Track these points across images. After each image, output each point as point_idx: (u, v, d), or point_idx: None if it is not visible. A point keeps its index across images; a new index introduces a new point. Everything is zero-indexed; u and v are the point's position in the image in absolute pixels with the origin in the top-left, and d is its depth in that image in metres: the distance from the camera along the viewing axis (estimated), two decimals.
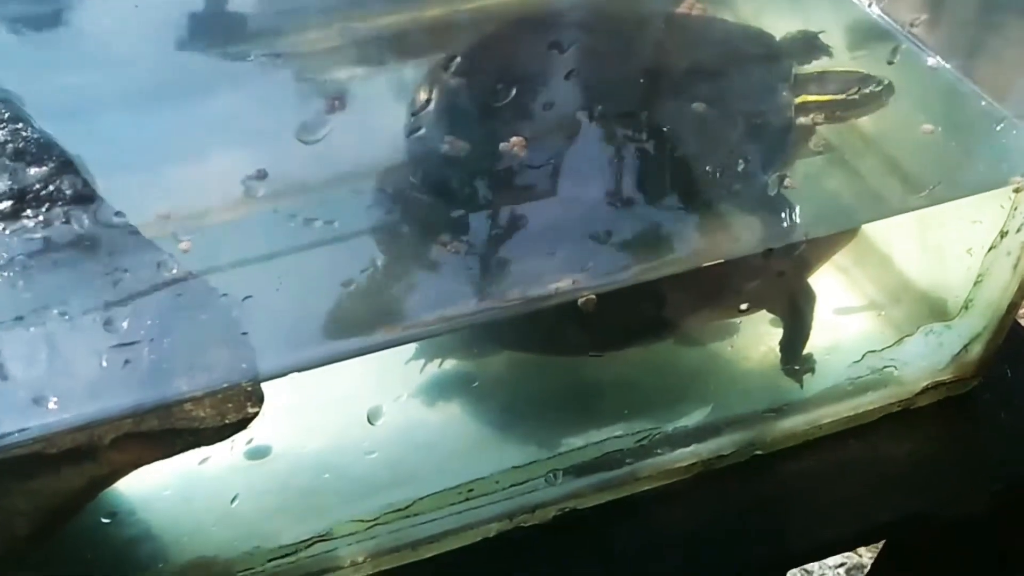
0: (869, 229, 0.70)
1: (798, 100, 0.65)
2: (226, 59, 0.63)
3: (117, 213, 0.52)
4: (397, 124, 0.62)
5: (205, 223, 0.55)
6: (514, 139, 0.57)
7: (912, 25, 0.68)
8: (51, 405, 0.45)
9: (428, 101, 0.63)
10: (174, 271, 0.51)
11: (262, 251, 0.54)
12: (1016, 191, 0.62)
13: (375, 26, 0.70)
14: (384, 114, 0.65)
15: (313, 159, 0.57)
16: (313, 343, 0.50)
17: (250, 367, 0.49)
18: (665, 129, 0.63)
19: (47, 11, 0.66)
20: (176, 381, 0.48)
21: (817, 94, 0.65)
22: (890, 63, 0.66)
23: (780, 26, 0.71)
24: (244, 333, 0.48)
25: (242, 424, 0.50)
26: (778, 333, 0.68)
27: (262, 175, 0.55)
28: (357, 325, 0.51)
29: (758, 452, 0.68)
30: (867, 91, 0.64)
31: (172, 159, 0.57)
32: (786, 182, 0.60)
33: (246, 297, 0.49)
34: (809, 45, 0.69)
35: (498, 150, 0.58)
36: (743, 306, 0.63)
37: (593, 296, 0.53)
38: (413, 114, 0.62)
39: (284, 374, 0.49)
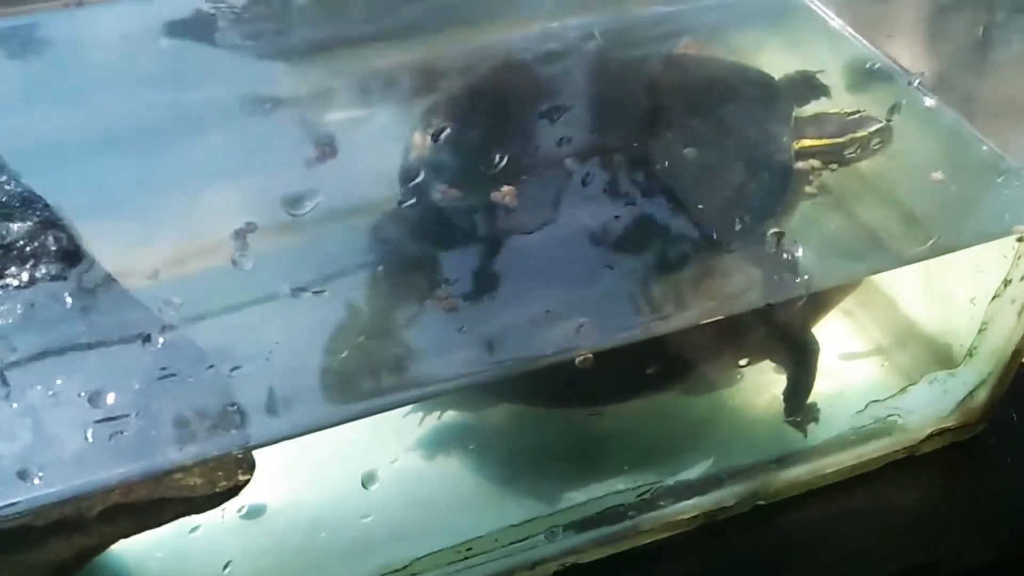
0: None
1: (797, 145, 0.64)
2: (215, 101, 0.62)
3: (104, 273, 0.51)
4: (392, 169, 0.60)
5: (195, 278, 0.53)
6: (505, 188, 0.55)
7: (916, 78, 0.67)
8: (36, 480, 0.44)
9: (422, 147, 0.61)
10: (163, 333, 0.50)
11: (254, 306, 0.53)
12: (1019, 240, 0.61)
13: (370, 67, 0.68)
14: (378, 159, 0.63)
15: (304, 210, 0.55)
16: (306, 409, 0.49)
17: (241, 434, 0.48)
18: (662, 177, 0.61)
19: (21, 46, 0.65)
20: (165, 450, 0.47)
21: (815, 138, 0.64)
22: (887, 119, 0.64)
23: (779, 65, 0.69)
24: (233, 404, 0.47)
25: (233, 492, 0.49)
26: (782, 380, 0.67)
27: (252, 227, 0.53)
28: (351, 389, 0.49)
29: (761, 502, 0.67)
30: (864, 135, 0.63)
31: (159, 208, 0.55)
32: (786, 236, 0.58)
33: (234, 368, 0.47)
34: (808, 85, 0.67)
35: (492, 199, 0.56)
36: (744, 361, 0.62)
37: (590, 355, 0.52)
38: (407, 161, 0.60)
39: (276, 441, 0.48)
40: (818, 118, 0.65)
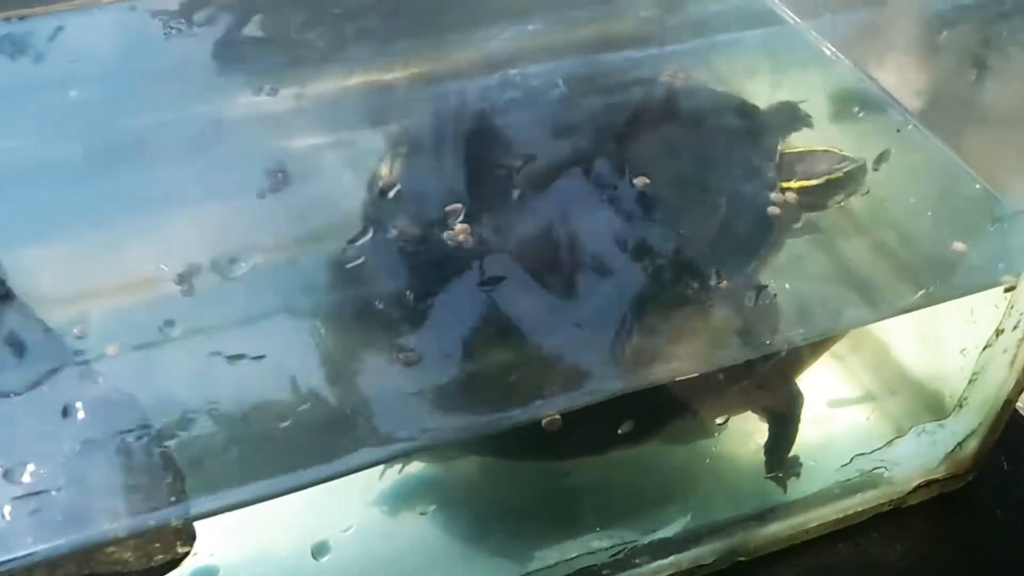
0: None
1: (784, 183, 0.61)
2: (165, 124, 0.58)
3: (36, 317, 0.48)
4: (352, 204, 0.57)
5: (134, 323, 0.50)
6: (458, 227, 0.53)
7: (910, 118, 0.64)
8: None
9: (388, 180, 0.58)
10: (97, 387, 0.46)
11: (198, 357, 0.49)
12: (1007, 290, 0.58)
13: (330, 89, 0.65)
14: (337, 191, 0.60)
15: (255, 247, 0.52)
16: (253, 477, 0.45)
17: (180, 503, 0.44)
18: (634, 218, 0.58)
19: None
20: (95, 522, 0.43)
21: (802, 177, 0.61)
22: (881, 160, 0.61)
23: (763, 92, 0.67)
24: (171, 469, 0.43)
25: (171, 566, 0.46)
26: (764, 430, 0.64)
27: (195, 269, 0.50)
28: (300, 456, 0.46)
29: (741, 559, 0.64)
30: (839, 175, 0.60)
31: (98, 243, 0.53)
32: (769, 282, 0.55)
33: (174, 429, 0.44)
34: (791, 116, 0.65)
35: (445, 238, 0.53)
36: (722, 416, 0.59)
37: (557, 416, 0.49)
38: (371, 196, 0.58)
39: (219, 513, 0.44)
40: (808, 155, 0.62)
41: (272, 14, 0.65)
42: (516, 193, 0.58)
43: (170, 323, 0.48)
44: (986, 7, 0.67)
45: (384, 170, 0.59)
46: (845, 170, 0.60)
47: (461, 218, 0.54)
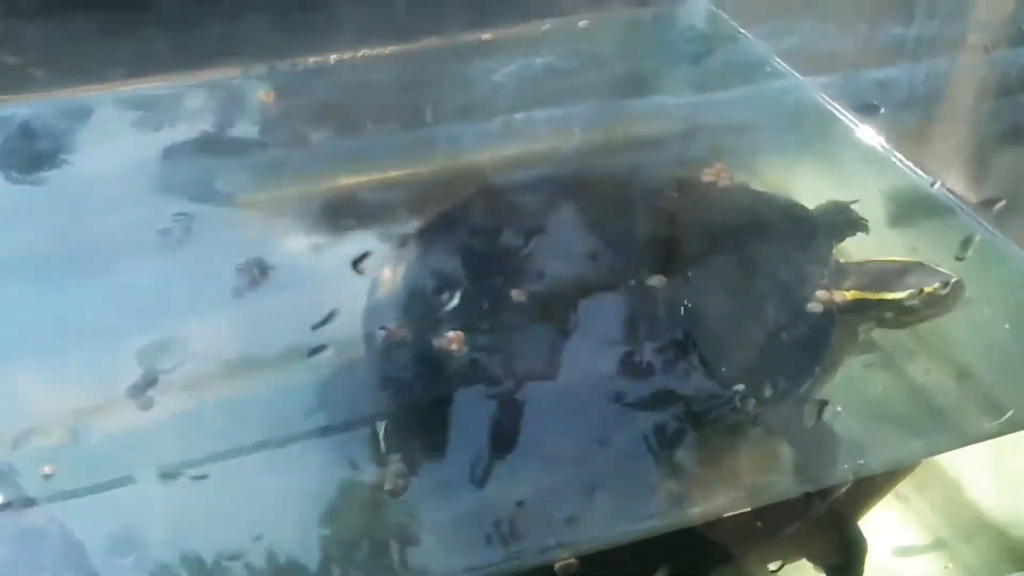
0: None
1: (846, 295, 0.54)
2: (136, 224, 0.54)
3: None
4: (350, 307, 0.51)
5: (76, 440, 0.45)
6: (451, 334, 0.48)
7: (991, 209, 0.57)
8: None
9: (390, 285, 0.53)
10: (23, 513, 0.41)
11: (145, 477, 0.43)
12: None
13: (324, 188, 0.60)
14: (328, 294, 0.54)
15: (221, 358, 0.46)
16: None
17: None
18: (675, 327, 0.53)
19: None
20: None
21: (868, 289, 0.54)
22: (959, 258, 0.54)
23: (811, 193, 0.62)
24: None
25: None
26: None
27: (151, 380, 0.45)
28: None
29: None
30: (931, 293, 0.53)
31: (46, 353, 0.48)
32: (829, 407, 0.48)
33: None
34: (843, 219, 0.59)
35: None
36: (775, 563, 0.51)
37: (573, 560, 0.42)
38: (371, 301, 0.52)
39: None
40: (867, 265, 0.56)
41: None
42: (535, 301, 0.53)
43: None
44: None
45: (387, 274, 0.54)
46: (935, 285, 0.53)
47: (453, 325, 0.48)
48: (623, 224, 0.60)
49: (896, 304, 0.53)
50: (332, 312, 0.46)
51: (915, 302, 0.53)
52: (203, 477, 0.43)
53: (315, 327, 0.46)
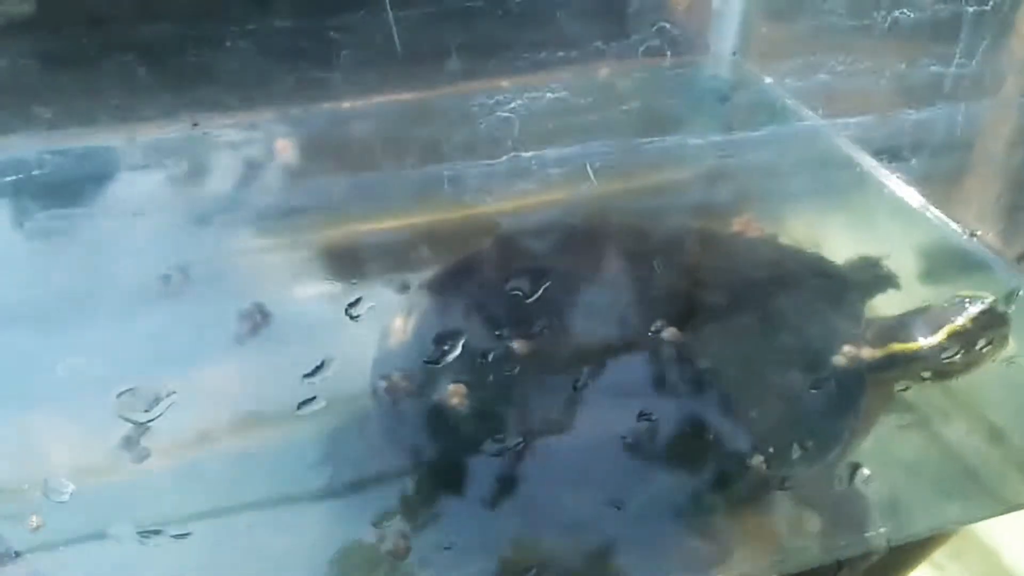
0: None
1: (878, 351, 0.51)
2: (137, 272, 0.52)
3: None
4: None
5: (65, 491, 0.42)
6: (451, 387, 0.46)
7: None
8: None
9: (401, 335, 0.51)
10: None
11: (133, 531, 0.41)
12: None
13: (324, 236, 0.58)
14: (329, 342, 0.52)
15: (219, 409, 0.45)
16: None
17: None
18: (698, 385, 0.51)
19: None
20: None
21: (900, 340, 0.51)
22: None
23: (840, 246, 0.59)
24: None
25: None
26: None
27: (141, 430, 0.43)
28: None
29: None
30: (965, 324, 0.49)
31: (39, 403, 0.46)
32: (862, 471, 0.45)
33: None
34: (874, 274, 0.57)
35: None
36: None
37: None
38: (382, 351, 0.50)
39: None
40: (901, 318, 0.53)
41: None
42: (547, 355, 0.50)
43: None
44: None
45: (398, 323, 0.52)
46: (973, 314, 0.50)
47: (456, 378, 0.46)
48: (645, 276, 0.58)
49: (932, 350, 0.50)
50: (324, 361, 0.44)
51: (956, 340, 0.50)
52: (189, 535, 0.41)
53: (306, 376, 0.44)
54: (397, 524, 0.42)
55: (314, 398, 0.43)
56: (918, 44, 0.50)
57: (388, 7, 0.43)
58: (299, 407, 0.43)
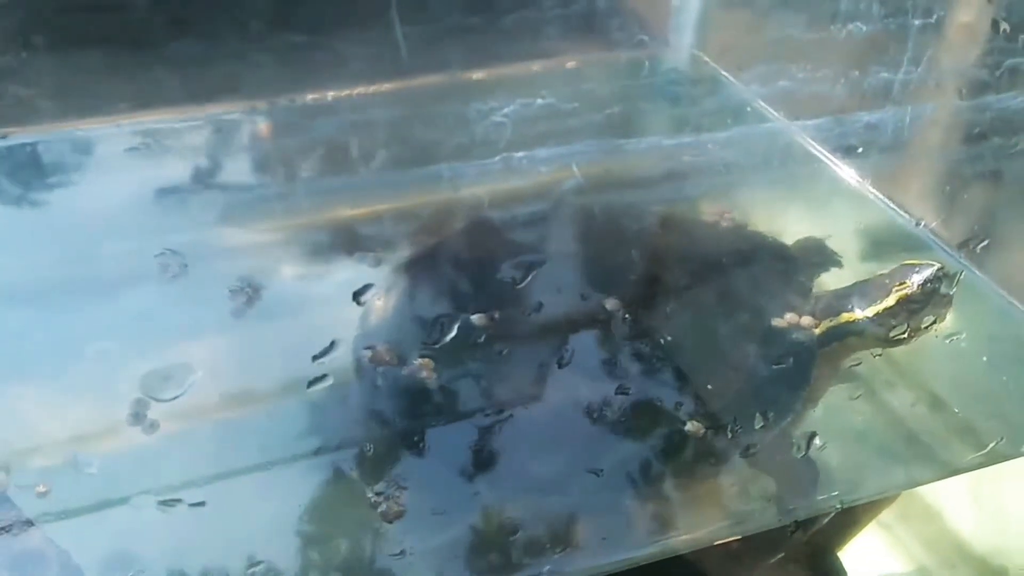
0: None
1: (826, 324, 0.54)
2: (135, 254, 0.54)
3: None
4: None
5: (71, 460, 0.44)
6: (420, 360, 0.48)
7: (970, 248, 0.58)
8: None
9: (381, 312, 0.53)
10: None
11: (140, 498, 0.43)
12: None
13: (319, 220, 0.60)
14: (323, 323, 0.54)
15: (216, 383, 0.46)
16: None
17: None
18: (662, 357, 0.53)
19: None
20: None
21: (845, 311, 0.54)
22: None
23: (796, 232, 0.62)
24: None
25: None
26: None
27: (144, 405, 0.44)
28: None
29: None
30: (916, 289, 0.51)
31: (45, 374, 0.48)
32: (805, 439, 0.48)
33: None
34: (818, 252, 0.59)
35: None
36: None
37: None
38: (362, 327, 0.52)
39: None
40: (845, 291, 0.55)
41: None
42: (527, 316, 0.53)
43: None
44: None
45: (379, 302, 0.54)
46: (925, 275, 0.52)
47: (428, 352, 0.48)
48: (613, 256, 0.60)
49: (881, 315, 0.52)
50: (333, 342, 0.47)
51: (899, 305, 0.52)
52: (201, 503, 0.43)
53: (316, 358, 0.47)
54: (392, 488, 0.44)
55: (324, 376, 0.45)
56: (870, 53, 0.53)
57: (398, 26, 0.45)
58: (309, 386, 0.46)
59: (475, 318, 0.50)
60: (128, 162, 0.60)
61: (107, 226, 0.56)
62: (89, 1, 0.54)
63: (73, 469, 0.44)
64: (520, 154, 0.54)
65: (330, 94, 0.61)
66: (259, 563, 0.40)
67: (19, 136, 0.60)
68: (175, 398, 0.45)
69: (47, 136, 0.61)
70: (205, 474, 0.45)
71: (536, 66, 0.60)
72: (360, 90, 0.60)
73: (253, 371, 0.49)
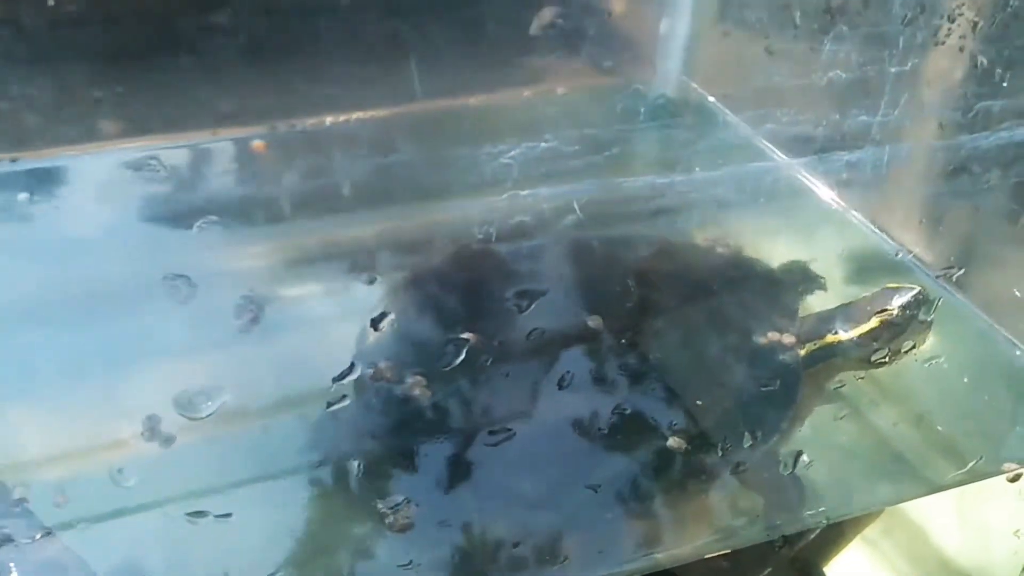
0: None
1: (812, 346, 0.55)
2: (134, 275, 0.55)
3: None
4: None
5: (88, 470, 0.46)
6: (413, 379, 0.48)
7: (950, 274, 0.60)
8: None
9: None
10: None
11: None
12: (1011, 480, 0.53)
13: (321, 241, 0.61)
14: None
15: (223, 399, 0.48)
16: None
17: None
18: (653, 379, 0.54)
19: None
20: None
21: (829, 334, 0.55)
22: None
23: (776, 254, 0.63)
24: None
25: None
26: None
27: (155, 421, 0.45)
28: None
29: None
30: (894, 312, 0.53)
31: (59, 389, 0.49)
32: (792, 454, 0.49)
33: None
34: (803, 276, 0.60)
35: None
36: None
37: None
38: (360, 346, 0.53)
39: None
40: (829, 313, 0.57)
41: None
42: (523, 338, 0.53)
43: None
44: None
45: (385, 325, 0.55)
46: (904, 300, 0.53)
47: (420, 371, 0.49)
48: (605, 282, 0.61)
49: (863, 336, 0.53)
50: (353, 364, 0.48)
51: (881, 327, 0.53)
52: (206, 513, 0.44)
53: (335, 380, 0.48)
54: (402, 501, 0.45)
55: (343, 397, 0.47)
56: (849, 99, 0.55)
57: (414, 70, 0.47)
58: (328, 407, 0.47)
59: (474, 340, 0.51)
60: (129, 185, 0.61)
61: (109, 249, 0.57)
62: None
63: (91, 481, 0.44)
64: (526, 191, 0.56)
65: (328, 119, 0.62)
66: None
67: (30, 160, 0.61)
68: (207, 416, 0.46)
69: (46, 160, 0.62)
70: (218, 484, 0.46)
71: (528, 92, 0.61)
72: (358, 115, 0.61)
73: (265, 388, 0.50)
